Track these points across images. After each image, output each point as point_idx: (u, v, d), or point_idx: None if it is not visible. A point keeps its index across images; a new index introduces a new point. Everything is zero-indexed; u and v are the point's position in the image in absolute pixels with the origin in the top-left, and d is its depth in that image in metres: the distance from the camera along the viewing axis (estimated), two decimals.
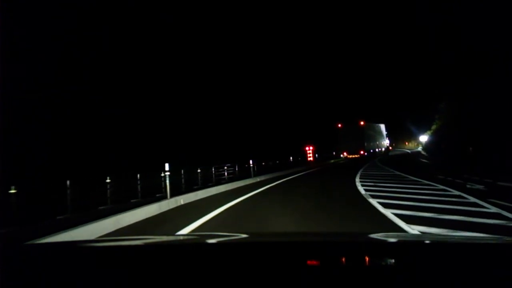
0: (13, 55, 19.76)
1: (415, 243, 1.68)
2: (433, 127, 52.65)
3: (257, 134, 41.12)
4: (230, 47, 50.00)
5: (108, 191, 10.31)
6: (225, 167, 18.04)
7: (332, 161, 41.51)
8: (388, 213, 6.78)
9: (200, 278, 1.04)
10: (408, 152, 62.63)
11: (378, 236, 1.95)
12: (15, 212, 7.48)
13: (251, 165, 18.71)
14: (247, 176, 17.68)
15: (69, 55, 25.16)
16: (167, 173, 10.06)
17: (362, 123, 40.67)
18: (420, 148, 66.17)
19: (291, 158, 31.19)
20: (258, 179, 17.36)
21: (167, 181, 9.93)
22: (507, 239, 2.12)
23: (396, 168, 20.83)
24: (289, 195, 11.45)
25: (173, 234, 5.72)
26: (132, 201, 10.43)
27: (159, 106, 31.51)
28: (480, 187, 10.57)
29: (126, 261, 1.30)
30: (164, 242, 2.00)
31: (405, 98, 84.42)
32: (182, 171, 13.85)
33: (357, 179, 14.51)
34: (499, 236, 4.95)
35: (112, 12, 29.64)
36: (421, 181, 12.66)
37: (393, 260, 1.26)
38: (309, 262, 1.26)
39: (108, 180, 10.53)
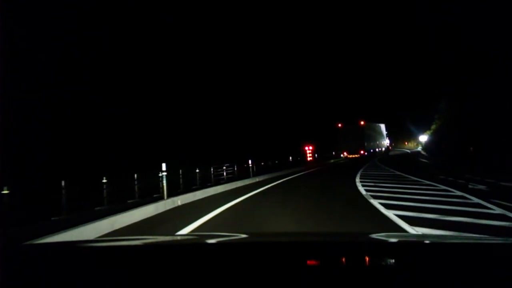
0: (13, 55, 19.73)
1: (415, 243, 1.69)
2: (433, 127, 52.71)
3: (257, 134, 41.11)
4: (230, 47, 50.00)
5: (105, 191, 10.13)
6: (224, 167, 17.99)
7: (332, 161, 41.51)
8: (390, 214, 6.66)
9: (199, 278, 1.04)
10: (407, 152, 62.66)
11: (378, 236, 1.95)
12: (7, 213, 7.30)
13: (250, 165, 18.63)
14: (246, 176, 17.64)
15: (69, 55, 25.15)
16: (164, 173, 9.90)
17: (362, 123, 40.67)
18: (419, 148, 66.23)
19: (290, 158, 31.16)
20: (257, 179, 17.32)
21: (164, 182, 9.75)
22: (507, 239, 2.12)
23: (396, 168, 20.82)
24: (288, 195, 11.42)
25: (173, 234, 5.70)
26: (129, 201, 10.31)
27: (159, 106, 31.50)
28: (483, 187, 10.48)
29: (125, 261, 1.30)
30: (164, 242, 2.00)
31: (405, 98, 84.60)
32: (181, 171, 13.76)
33: (357, 179, 14.48)
34: (500, 237, 4.97)
35: (112, 12, 29.64)
36: (422, 181, 12.60)
37: (393, 260, 1.26)
38: (309, 262, 1.26)
39: (104, 180, 10.32)
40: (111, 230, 6.30)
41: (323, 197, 10.76)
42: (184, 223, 6.66)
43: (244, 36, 61.70)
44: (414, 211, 6.83)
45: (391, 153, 55.83)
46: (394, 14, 76.57)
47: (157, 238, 2.60)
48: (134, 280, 1.05)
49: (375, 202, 8.20)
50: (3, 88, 15.47)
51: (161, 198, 9.49)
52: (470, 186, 10.70)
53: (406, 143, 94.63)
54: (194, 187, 13.96)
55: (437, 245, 1.58)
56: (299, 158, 33.32)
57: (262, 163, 23.56)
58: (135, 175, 11.75)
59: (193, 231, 6.10)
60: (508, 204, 7.26)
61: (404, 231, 5.38)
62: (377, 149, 45.69)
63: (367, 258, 1.29)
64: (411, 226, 5.55)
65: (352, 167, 24.90)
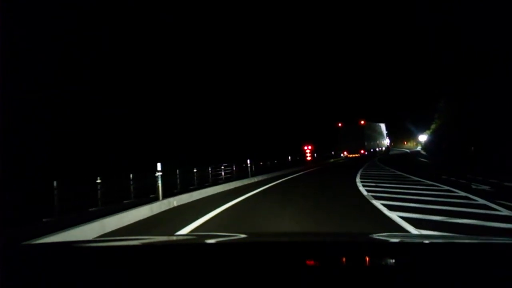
0: (13, 55, 19.71)
1: (415, 243, 1.69)
2: (432, 126, 52.78)
3: (256, 134, 41.09)
4: (230, 47, 49.98)
5: (99, 191, 9.94)
6: (222, 167, 17.85)
7: (332, 160, 41.52)
8: (394, 216, 6.45)
9: (199, 278, 1.04)
10: (407, 152, 62.68)
11: (378, 236, 1.95)
12: None
13: (249, 165, 18.51)
14: (245, 176, 17.55)
15: (69, 55, 25.13)
16: (159, 174, 9.59)
17: (362, 122, 40.67)
18: (419, 148, 66.27)
19: (289, 157, 31.10)
20: (255, 179, 17.25)
21: (159, 182, 9.46)
22: (508, 239, 2.12)
23: (397, 168, 20.82)
24: (288, 195, 11.33)
25: (172, 234, 5.67)
26: (124, 202, 10.13)
27: (159, 106, 31.49)
28: (486, 187, 10.35)
29: (124, 261, 1.30)
30: (162, 242, 2.01)
31: (405, 98, 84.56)
32: (178, 171, 13.66)
33: (358, 179, 14.41)
34: (500, 237, 4.95)
35: (112, 12, 29.61)
36: (424, 181, 12.52)
37: (393, 260, 1.26)
38: (309, 262, 1.25)
39: (98, 181, 10.12)
40: (102, 233, 5.96)
41: (323, 196, 10.68)
42: (179, 225, 6.49)
43: (244, 36, 61.68)
44: (418, 212, 6.63)
45: (391, 152, 55.87)
46: (394, 14, 76.60)
47: (156, 238, 2.61)
48: (133, 280, 1.05)
49: (377, 203, 7.98)
50: (3, 88, 15.45)
51: (156, 199, 9.24)
52: (473, 187, 10.58)
53: (405, 142, 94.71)
54: (191, 187, 13.84)
55: (437, 245, 1.58)
56: (298, 158, 33.28)
57: (261, 163, 23.56)
58: (131, 175, 11.57)
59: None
60: None
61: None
62: (377, 149, 45.71)
63: (367, 258, 1.28)
64: (417, 229, 5.35)
65: (352, 166, 24.89)
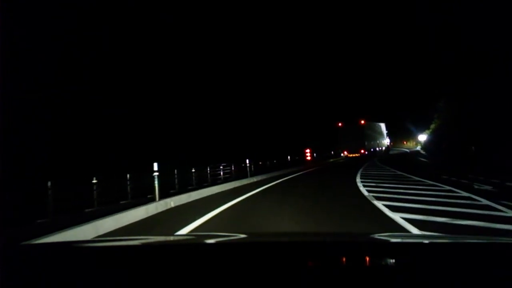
0: (13, 55, 19.69)
1: (415, 243, 1.69)
2: (432, 126, 52.82)
3: (255, 133, 41.08)
4: (230, 47, 49.96)
5: (95, 192, 9.79)
6: (221, 167, 17.75)
7: (332, 160, 41.55)
8: (397, 217, 6.32)
9: (199, 278, 1.04)
10: (407, 152, 62.70)
11: (378, 236, 1.95)
12: None
13: (248, 165, 18.44)
14: (244, 176, 17.51)
15: (69, 55, 25.11)
16: (156, 174, 9.40)
17: (362, 122, 40.69)
18: (418, 148, 66.29)
19: (289, 157, 31.04)
20: (254, 179, 17.22)
21: (156, 182, 9.28)
22: (508, 239, 2.13)
23: (397, 168, 20.82)
24: (287, 195, 11.28)
25: (172, 234, 5.65)
26: (121, 202, 10.00)
27: (159, 106, 31.49)
28: (488, 188, 10.27)
29: (124, 261, 1.30)
30: (162, 242, 2.02)
31: (405, 98, 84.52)
32: (176, 171, 13.58)
33: (358, 179, 14.38)
34: (501, 237, 4.93)
35: (112, 12, 29.59)
36: (425, 181, 12.45)
37: (393, 260, 1.26)
38: (309, 262, 1.25)
39: (94, 181, 9.94)
40: (94, 236, 5.79)
41: (323, 196, 10.64)
42: (176, 227, 6.37)
43: (244, 36, 61.67)
44: (421, 213, 6.50)
45: (390, 152, 55.92)
46: (394, 14, 76.54)
47: (155, 238, 2.62)
48: (133, 280, 1.05)
49: (379, 204, 7.87)
50: (3, 88, 15.44)
51: (153, 199, 9.08)
52: (475, 187, 10.50)
53: (405, 142, 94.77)
54: (190, 187, 13.76)
55: (437, 245, 1.59)
56: (297, 158, 33.23)
57: (260, 163, 23.54)
58: (128, 175, 11.42)
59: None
60: None
61: None
62: (377, 149, 45.74)
63: (367, 258, 1.29)
64: (422, 232, 5.25)
65: (352, 166, 24.89)
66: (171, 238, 3.24)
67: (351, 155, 39.95)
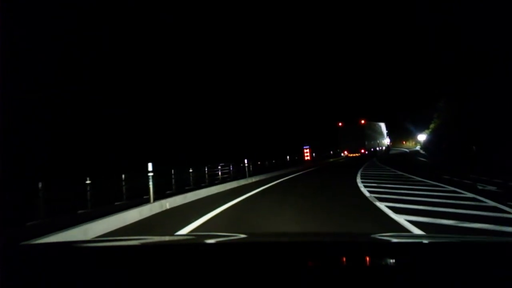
0: (13, 55, 19.69)
1: (415, 243, 1.69)
2: (432, 126, 52.88)
3: (255, 133, 41.12)
4: (230, 47, 49.95)
5: (88, 193, 9.51)
6: (219, 167, 17.61)
7: (332, 160, 41.55)
8: (401, 219, 6.05)
9: (199, 278, 1.04)
10: (406, 151, 62.63)
11: (378, 236, 1.95)
12: None
13: (246, 165, 18.28)
14: (242, 176, 17.36)
15: (69, 55, 25.12)
16: (150, 174, 9.05)
17: (363, 122, 40.69)
18: (418, 147, 66.29)
19: (288, 157, 30.99)
20: (253, 179, 17.12)
21: (150, 183, 8.93)
22: (508, 238, 2.12)
23: (397, 168, 20.78)
24: (287, 195, 11.17)
25: (171, 234, 5.62)
26: (116, 203, 9.77)
27: (159, 106, 31.50)
28: (492, 188, 10.06)
29: (124, 261, 1.30)
30: (162, 242, 2.02)
31: (405, 98, 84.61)
32: (173, 171, 13.43)
33: (359, 180, 14.29)
34: (501, 237, 4.86)
35: (112, 12, 29.59)
36: (427, 182, 12.31)
37: (393, 260, 1.26)
38: (309, 262, 1.25)
39: (88, 181, 9.61)
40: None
41: (322, 196, 10.51)
42: (170, 230, 6.19)
43: (244, 36, 61.62)
44: (426, 216, 6.23)
45: (390, 152, 55.92)
46: (394, 14, 76.58)
47: (155, 238, 2.62)
48: (133, 280, 1.05)
49: (382, 206, 7.61)
50: (3, 88, 15.44)
51: (147, 201, 8.77)
52: (479, 187, 10.31)
53: (404, 142, 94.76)
54: (187, 187, 13.57)
55: (437, 245, 1.59)
56: (296, 158, 33.14)
57: (259, 163, 23.50)
58: (123, 176, 11.17)
59: None
60: None
61: None
62: (377, 148, 45.77)
63: (367, 258, 1.29)
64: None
65: (352, 166, 24.84)
66: (171, 238, 3.24)
67: (351, 155, 39.95)
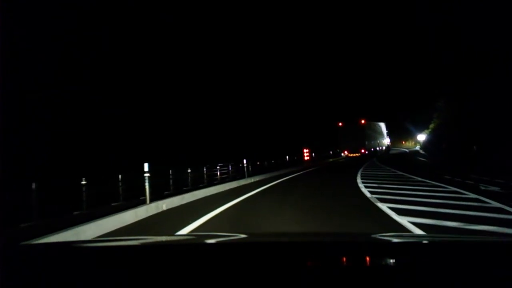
0: (13, 55, 19.68)
1: (415, 243, 1.69)
2: (431, 126, 52.92)
3: (254, 133, 41.10)
4: (230, 47, 49.95)
5: (84, 194, 9.31)
6: (218, 167, 17.52)
7: (331, 160, 41.53)
8: (405, 221, 5.90)
9: (199, 278, 1.04)
10: (406, 151, 62.63)
11: (377, 236, 1.95)
12: None
13: (245, 165, 18.19)
14: (241, 176, 17.31)
15: (69, 55, 25.12)
16: (147, 175, 8.85)
17: (363, 121, 40.68)
18: (417, 147, 66.31)
19: (287, 157, 30.97)
20: (252, 179, 17.07)
21: (147, 184, 8.75)
22: (508, 238, 2.13)
23: (397, 168, 20.77)
24: (287, 195, 11.14)
25: (172, 234, 5.60)
26: (113, 204, 9.63)
27: (159, 106, 31.50)
28: (495, 189, 9.93)
29: (124, 261, 1.31)
30: (163, 242, 2.02)
31: (405, 98, 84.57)
32: (171, 171, 13.36)
33: (359, 180, 14.26)
34: (501, 236, 4.84)
35: (112, 12, 29.59)
36: (428, 182, 12.20)
37: (393, 260, 1.26)
38: (309, 262, 1.25)
39: (83, 182, 9.39)
40: None
41: (323, 196, 10.49)
42: (166, 233, 6.08)
43: (244, 36, 61.63)
44: (430, 217, 6.08)
45: (390, 152, 55.93)
46: (394, 14, 76.59)
47: (155, 238, 2.63)
48: (133, 280, 1.05)
49: (384, 207, 7.44)
50: (3, 88, 15.43)
51: (143, 202, 8.59)
52: (482, 188, 10.18)
53: (403, 142, 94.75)
54: (185, 188, 13.45)
55: (437, 245, 1.59)
56: (295, 158, 33.08)
57: (258, 163, 23.48)
58: (119, 176, 11.00)
59: None
60: None
61: None
62: (377, 148, 45.77)
63: (367, 258, 1.29)
64: None
65: (352, 166, 24.83)
66: (172, 238, 3.25)
67: (351, 155, 39.94)
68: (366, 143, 40.39)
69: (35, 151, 20.72)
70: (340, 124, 41.89)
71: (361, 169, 20.68)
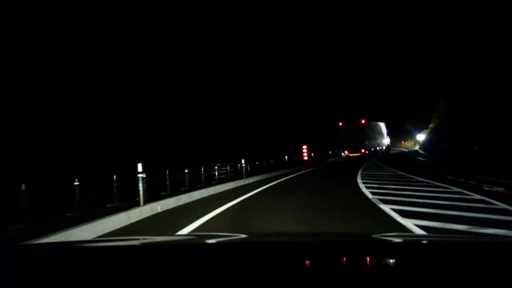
0: (13, 55, 19.66)
1: (415, 243, 1.69)
2: (431, 125, 52.94)
3: (253, 133, 41.07)
4: (229, 47, 49.92)
5: (77, 195, 9.00)
6: (216, 167, 17.50)
7: (331, 159, 41.54)
8: (410, 224, 5.72)
9: (199, 278, 1.04)
10: (405, 151, 62.67)
11: (377, 236, 1.95)
12: None
13: (244, 165, 18.10)
14: (240, 177, 17.26)
15: (69, 55, 25.09)
16: (141, 175, 8.61)
17: (363, 121, 40.72)
18: (417, 147, 66.35)
19: (286, 157, 30.90)
20: (251, 180, 17.03)
21: (140, 185, 8.49)
22: (508, 238, 2.13)
23: (398, 168, 20.77)
24: (288, 194, 11.08)
25: (172, 234, 5.60)
26: (108, 205, 9.48)
27: (158, 106, 31.50)
28: (500, 189, 9.79)
29: (124, 261, 1.31)
30: (163, 242, 2.02)
31: (404, 98, 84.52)
32: (167, 171, 13.25)
33: (360, 180, 14.20)
34: (501, 236, 4.81)
35: (112, 12, 29.57)
36: (430, 183, 12.05)
37: (393, 260, 1.26)
38: (309, 262, 1.26)
39: (76, 183, 9.06)
40: None
41: (323, 196, 10.45)
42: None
43: (244, 36, 61.59)
44: (436, 220, 5.90)
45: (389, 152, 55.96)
46: (394, 14, 76.54)
47: (156, 238, 2.64)
48: (133, 280, 1.05)
49: (387, 208, 7.28)
50: (3, 88, 15.40)
51: (137, 204, 8.36)
52: (485, 188, 10.06)
53: (403, 142, 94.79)
54: (182, 189, 13.32)
55: (437, 245, 1.59)
56: (294, 158, 33.05)
57: (257, 163, 23.45)
58: (114, 177, 10.76)
59: None
60: None
61: None
62: (377, 148, 45.80)
63: (367, 258, 1.29)
64: None
65: (352, 166, 24.84)
66: (172, 238, 3.27)
67: (351, 155, 39.97)
68: (366, 143, 40.43)
69: (35, 151, 20.70)
70: (340, 124, 41.92)
71: (361, 169, 20.67)
